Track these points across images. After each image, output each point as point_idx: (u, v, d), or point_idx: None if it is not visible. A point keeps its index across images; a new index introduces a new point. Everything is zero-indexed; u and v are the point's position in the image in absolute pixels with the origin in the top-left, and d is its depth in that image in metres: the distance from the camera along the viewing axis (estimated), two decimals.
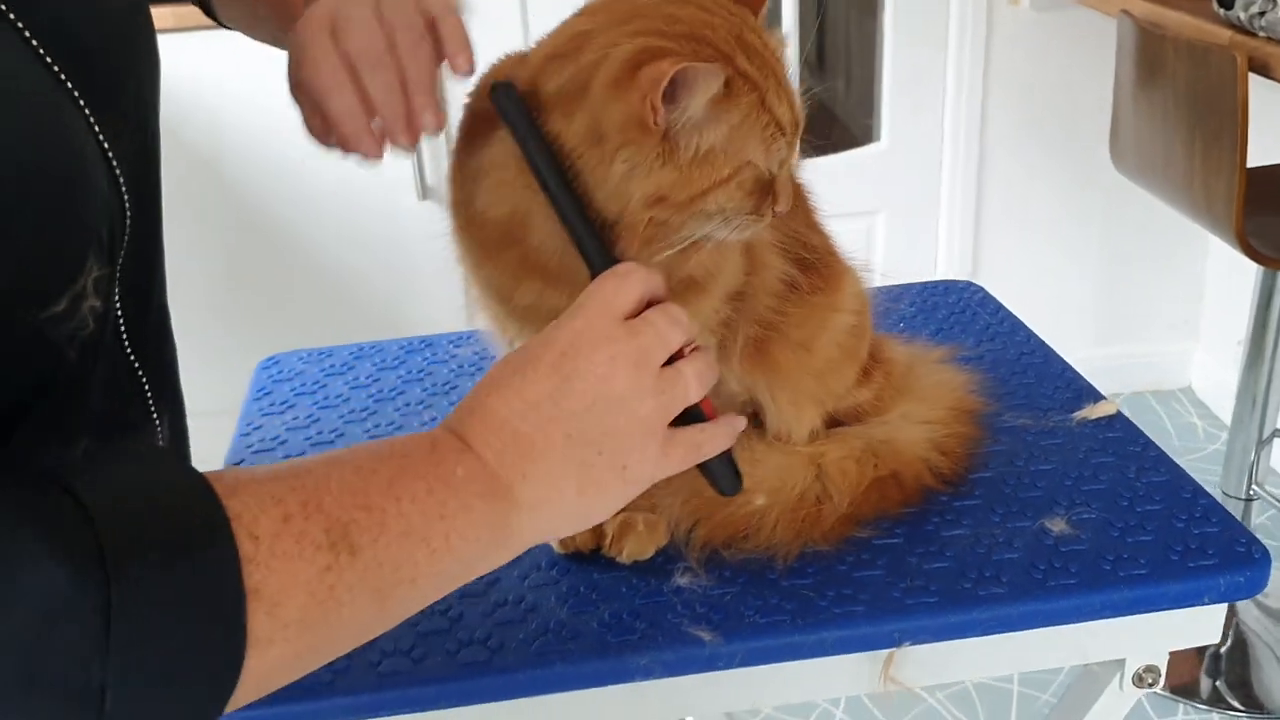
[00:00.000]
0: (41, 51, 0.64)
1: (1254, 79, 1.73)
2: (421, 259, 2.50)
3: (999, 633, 0.86)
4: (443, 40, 0.79)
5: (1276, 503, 2.36)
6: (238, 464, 1.09)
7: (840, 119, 3.54)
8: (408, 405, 1.17)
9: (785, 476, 0.93)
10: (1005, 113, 2.68)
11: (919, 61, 2.65)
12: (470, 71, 0.80)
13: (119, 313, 0.74)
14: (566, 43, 0.75)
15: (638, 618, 0.85)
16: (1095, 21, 2.49)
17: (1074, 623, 0.87)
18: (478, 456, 0.65)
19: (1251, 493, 2.16)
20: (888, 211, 2.79)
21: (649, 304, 0.70)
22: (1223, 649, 2.21)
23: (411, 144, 0.80)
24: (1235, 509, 2.15)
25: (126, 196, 0.71)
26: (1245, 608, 2.26)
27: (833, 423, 1.01)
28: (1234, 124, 1.72)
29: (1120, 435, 1.04)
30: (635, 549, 0.90)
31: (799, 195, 1.00)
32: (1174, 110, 1.91)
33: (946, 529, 0.93)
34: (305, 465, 0.61)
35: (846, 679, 0.87)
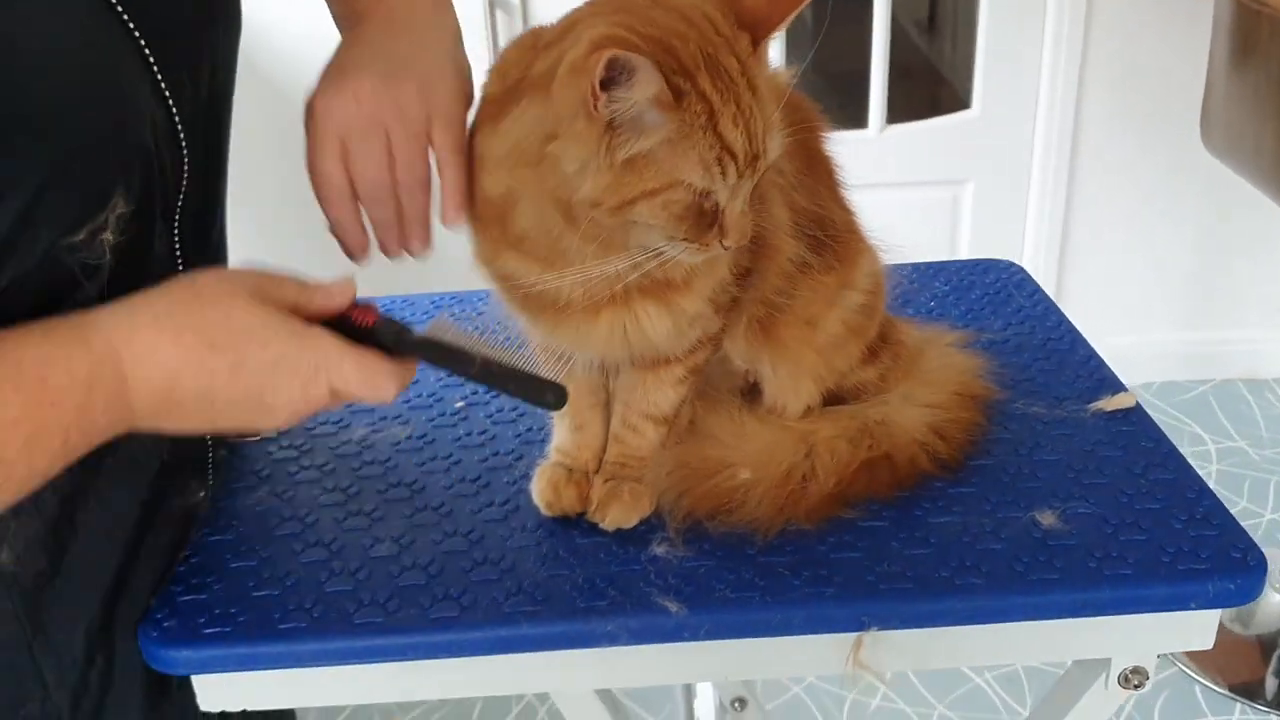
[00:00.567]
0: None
1: None
2: None
3: (971, 624, 0.85)
4: (441, 185, 0.86)
5: None
6: None
7: (949, 81, 3.46)
8: None
9: (774, 452, 0.92)
10: (1101, 87, 2.59)
11: (1015, 30, 2.57)
12: (458, 224, 0.87)
13: (177, 239, 0.82)
14: (558, 32, 0.78)
15: (610, 584, 0.86)
16: None
17: (1052, 619, 0.85)
18: (128, 405, 0.70)
19: None
20: (976, 182, 2.72)
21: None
22: None
23: (397, 256, 0.91)
24: None
25: (184, 136, 0.79)
26: None
27: (836, 401, 1.00)
28: None
29: (1134, 429, 1.01)
30: (618, 517, 0.91)
31: (825, 169, 0.99)
32: (1266, 90, 1.82)
33: (935, 515, 0.92)
34: None
35: (813, 659, 0.87)
